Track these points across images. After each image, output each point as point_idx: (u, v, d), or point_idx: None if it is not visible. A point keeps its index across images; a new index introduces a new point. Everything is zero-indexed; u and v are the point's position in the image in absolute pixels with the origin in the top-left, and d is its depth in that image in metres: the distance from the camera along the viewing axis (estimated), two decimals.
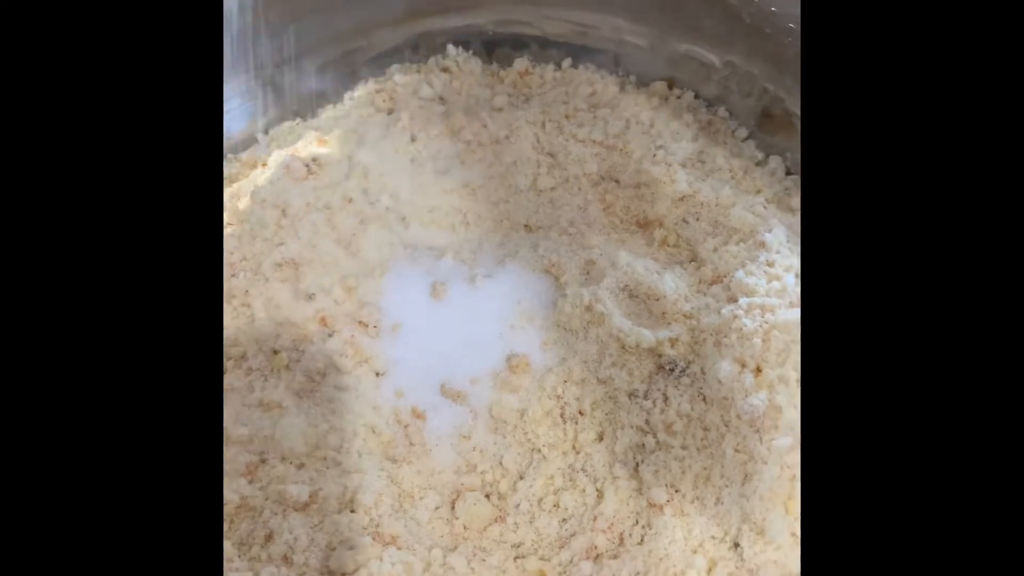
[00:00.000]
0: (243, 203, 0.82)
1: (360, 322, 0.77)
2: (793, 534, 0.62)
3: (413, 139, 0.87)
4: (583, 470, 0.69)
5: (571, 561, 0.66)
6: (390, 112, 0.90)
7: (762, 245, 0.74)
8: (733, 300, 0.71)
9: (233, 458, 0.69)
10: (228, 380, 0.74)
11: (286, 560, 0.64)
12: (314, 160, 0.83)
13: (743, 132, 0.89)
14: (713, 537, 0.65)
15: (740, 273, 0.72)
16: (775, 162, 0.86)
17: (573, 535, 0.67)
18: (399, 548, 0.65)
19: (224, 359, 0.75)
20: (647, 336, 0.72)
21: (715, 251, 0.77)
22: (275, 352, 0.75)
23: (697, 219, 0.81)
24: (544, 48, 0.95)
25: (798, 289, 0.70)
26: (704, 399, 0.69)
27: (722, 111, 0.90)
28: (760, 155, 0.87)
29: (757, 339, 0.67)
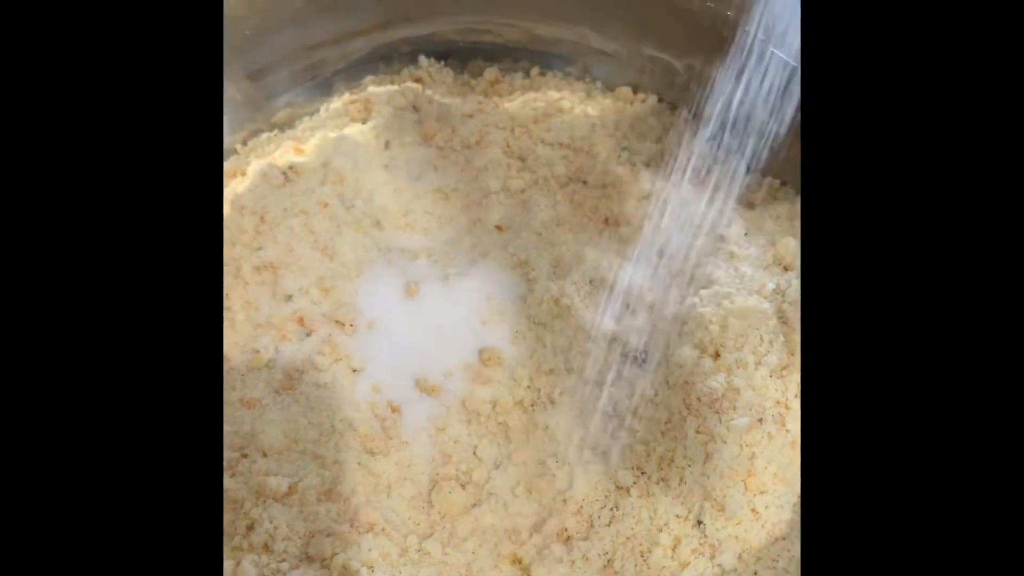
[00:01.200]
0: (223, 211, 0.84)
1: (337, 321, 0.79)
2: (753, 510, 0.65)
3: (387, 146, 0.90)
4: (554, 456, 0.72)
5: (543, 544, 0.69)
6: (364, 121, 0.93)
7: (721, 238, 0.77)
8: (693, 290, 0.74)
9: None
10: None
11: (267, 548, 0.66)
12: (291, 168, 0.86)
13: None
14: (677, 516, 0.67)
15: (700, 264, 0.75)
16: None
17: (545, 519, 0.70)
18: (376, 535, 0.68)
19: None
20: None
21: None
22: (255, 352, 0.77)
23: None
24: (513, 58, 0.99)
25: (756, 278, 0.73)
26: (667, 384, 0.71)
27: (684, 113, 0.93)
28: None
29: (715, 325, 0.70)
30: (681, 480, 0.68)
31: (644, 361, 0.73)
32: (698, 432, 0.67)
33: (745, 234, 0.78)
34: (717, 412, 0.67)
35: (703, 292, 0.73)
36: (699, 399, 0.68)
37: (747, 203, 0.84)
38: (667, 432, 0.70)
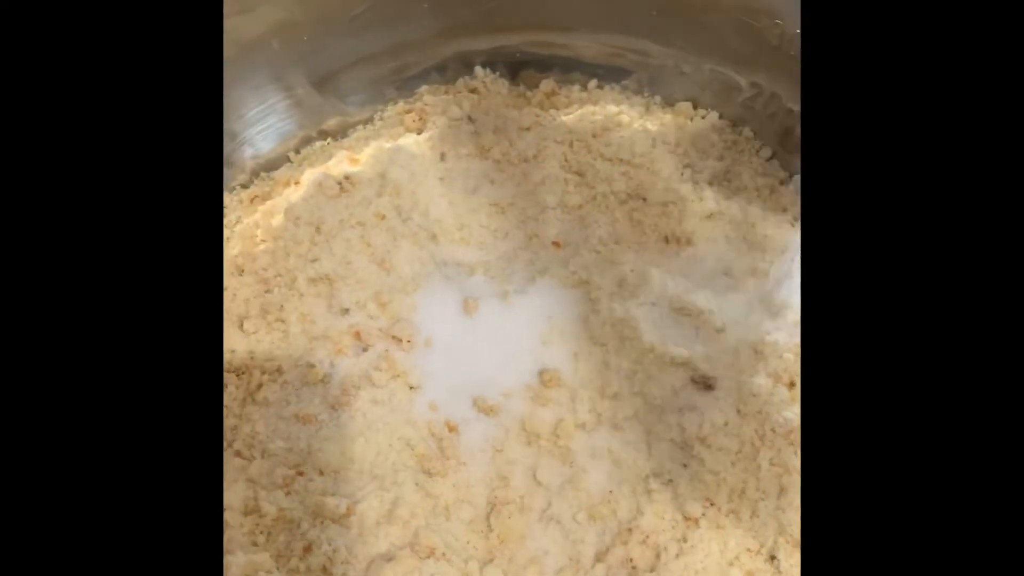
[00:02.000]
0: (276, 220, 0.83)
1: (394, 337, 0.78)
2: None
3: (443, 158, 0.89)
4: (618, 483, 0.70)
5: (607, 575, 0.67)
6: (420, 132, 0.91)
7: (793, 262, 0.75)
8: (765, 315, 0.72)
9: (271, 470, 0.70)
10: (264, 394, 0.75)
11: (325, 572, 0.65)
12: (346, 178, 0.85)
13: (767, 152, 0.90)
14: (749, 550, 0.65)
15: (772, 289, 0.73)
16: (799, 181, 0.87)
17: (609, 549, 0.68)
18: (437, 560, 0.66)
19: (260, 373, 0.76)
20: (680, 351, 0.73)
21: (745, 267, 0.78)
22: (310, 366, 0.76)
23: (726, 237, 0.82)
24: (568, 70, 0.97)
25: None
26: (739, 413, 0.69)
27: (747, 131, 0.91)
28: (784, 174, 0.89)
29: (790, 354, 0.68)
30: (753, 513, 0.66)
31: (713, 388, 0.71)
32: (772, 464, 0.65)
33: None
34: (793, 444, 0.65)
35: (776, 317, 0.71)
36: (773, 430, 0.66)
37: None
38: (738, 463, 0.68)
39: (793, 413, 0.65)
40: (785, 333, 0.69)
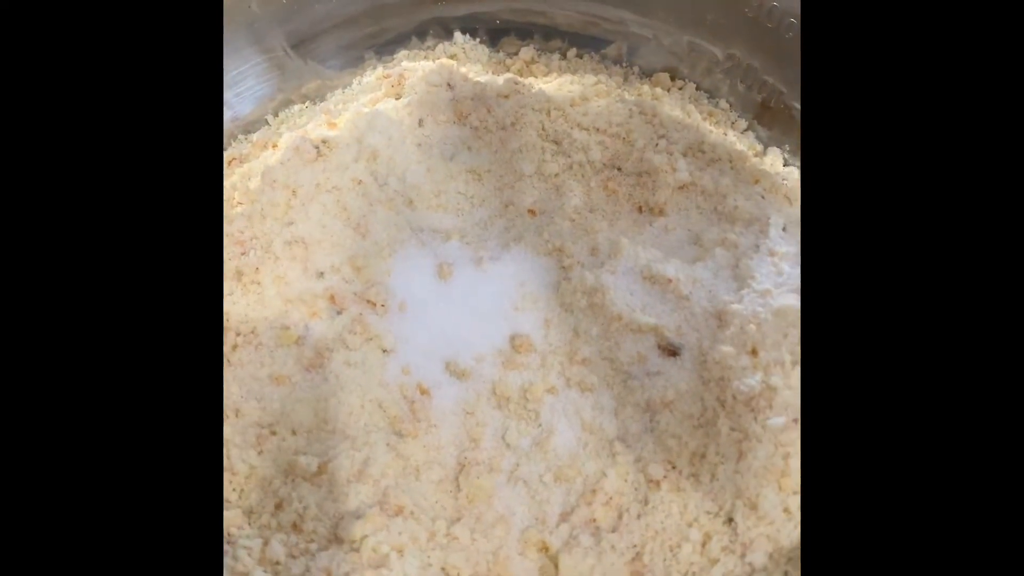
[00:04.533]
0: (254, 183, 0.83)
1: (368, 301, 0.79)
2: (786, 510, 0.65)
3: (421, 124, 0.89)
4: (584, 446, 0.72)
5: (571, 534, 0.68)
6: (398, 97, 0.92)
7: (761, 233, 0.76)
8: (732, 285, 0.73)
9: (244, 430, 0.71)
10: (239, 355, 0.75)
11: (295, 528, 0.66)
12: (324, 142, 0.85)
13: (743, 124, 0.91)
14: (708, 512, 0.67)
15: (739, 259, 0.74)
16: (773, 154, 0.88)
17: (574, 509, 0.70)
18: (405, 519, 0.68)
19: (235, 334, 0.77)
20: (648, 318, 0.74)
21: (715, 238, 0.79)
22: (285, 328, 0.77)
23: (698, 207, 0.83)
24: (548, 38, 0.97)
25: (795, 276, 0.72)
26: (701, 379, 0.71)
27: (723, 103, 0.92)
28: (759, 147, 0.90)
29: (754, 323, 0.69)
30: (713, 477, 0.67)
31: (679, 355, 0.73)
32: (732, 430, 0.67)
33: (784, 229, 0.77)
34: (753, 411, 0.66)
35: (742, 287, 0.72)
36: (734, 397, 0.68)
37: (786, 197, 0.83)
38: (700, 428, 0.70)
39: (755, 380, 0.67)
40: (750, 304, 0.71)
